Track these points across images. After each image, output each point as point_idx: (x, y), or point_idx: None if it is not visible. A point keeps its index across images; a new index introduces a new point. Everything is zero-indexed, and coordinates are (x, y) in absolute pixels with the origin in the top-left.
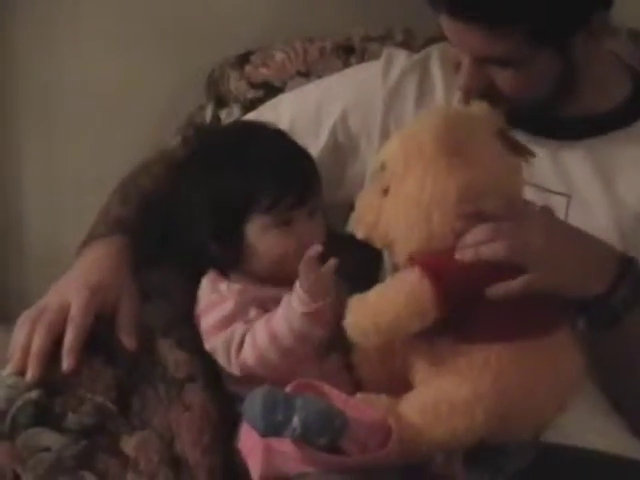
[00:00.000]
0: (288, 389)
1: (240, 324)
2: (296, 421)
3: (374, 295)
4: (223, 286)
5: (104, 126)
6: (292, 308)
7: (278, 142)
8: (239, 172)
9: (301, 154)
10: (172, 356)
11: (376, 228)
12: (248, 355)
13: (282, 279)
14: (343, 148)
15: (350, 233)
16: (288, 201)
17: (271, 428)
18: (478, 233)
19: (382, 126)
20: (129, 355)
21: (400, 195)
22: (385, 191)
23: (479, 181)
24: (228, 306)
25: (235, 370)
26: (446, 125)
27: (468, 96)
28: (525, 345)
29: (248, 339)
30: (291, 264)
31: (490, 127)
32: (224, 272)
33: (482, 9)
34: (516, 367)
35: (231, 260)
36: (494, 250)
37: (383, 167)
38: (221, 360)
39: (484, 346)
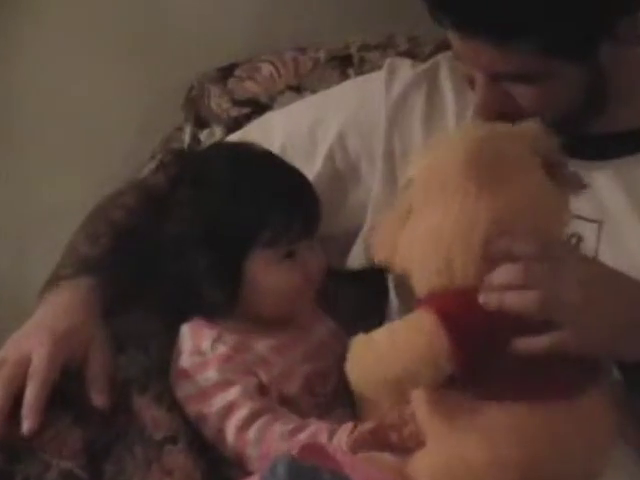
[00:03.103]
0: (294, 452)
1: (245, 400)
2: None
3: (382, 342)
4: (206, 344)
5: (69, 151)
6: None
7: (274, 165)
8: (236, 202)
9: (300, 178)
10: (150, 414)
11: (393, 256)
12: (251, 446)
13: (281, 318)
14: (341, 173)
15: (349, 268)
16: (295, 231)
17: None
18: (506, 275)
19: (385, 147)
20: (100, 414)
21: (420, 223)
22: (407, 213)
23: (512, 215)
24: (210, 376)
25: (227, 450)
26: (479, 149)
27: (484, 114)
28: (555, 405)
29: (256, 432)
30: (294, 300)
31: (534, 152)
32: (212, 317)
33: (490, 22)
34: (544, 430)
35: (226, 300)
36: (522, 301)
37: (407, 186)
38: (209, 431)
39: (508, 405)
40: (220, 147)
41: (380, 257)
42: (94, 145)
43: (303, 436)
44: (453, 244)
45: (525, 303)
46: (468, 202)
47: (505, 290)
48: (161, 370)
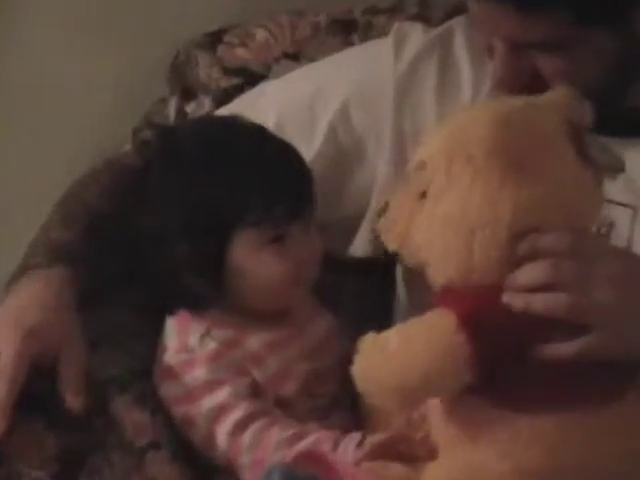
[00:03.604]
0: (289, 460)
1: (237, 401)
2: None
3: (394, 345)
4: (194, 340)
5: (40, 128)
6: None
7: (263, 141)
8: (218, 179)
9: (291, 154)
10: (130, 417)
11: (406, 241)
12: (245, 453)
13: (273, 311)
14: (344, 152)
15: (352, 258)
16: (280, 213)
17: None
18: (533, 273)
19: (394, 123)
20: (75, 418)
21: (438, 210)
22: (422, 195)
23: (540, 203)
24: (198, 375)
25: (218, 456)
26: (505, 127)
27: (504, 88)
28: (584, 415)
29: (251, 436)
30: (284, 290)
31: (566, 124)
32: (198, 309)
33: None
34: (572, 441)
35: (211, 291)
36: (551, 302)
37: (422, 167)
38: (197, 436)
39: (531, 415)
40: (203, 121)
41: (391, 244)
42: (68, 120)
43: (303, 444)
44: (474, 236)
45: (554, 305)
46: (491, 189)
47: (532, 290)
48: (143, 369)
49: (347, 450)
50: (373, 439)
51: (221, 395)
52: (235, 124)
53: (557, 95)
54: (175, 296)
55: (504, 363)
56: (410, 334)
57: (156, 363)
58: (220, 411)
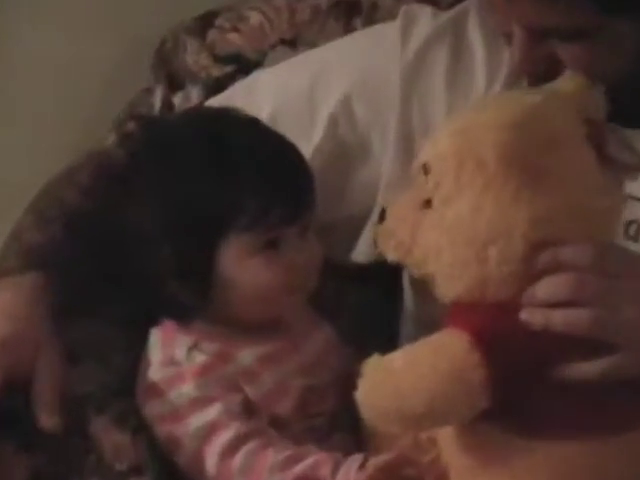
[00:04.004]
0: None
1: (229, 420)
2: None
3: (401, 367)
4: (180, 353)
5: (13, 121)
6: None
7: (259, 135)
8: (207, 177)
9: (290, 151)
10: (110, 439)
11: (411, 252)
12: (236, 477)
13: (264, 321)
14: (346, 147)
15: (355, 264)
16: (276, 215)
17: None
18: (553, 288)
19: (400, 115)
20: (50, 439)
21: (446, 218)
22: (426, 203)
23: (559, 213)
24: (185, 391)
25: (207, 477)
26: (521, 130)
27: (522, 76)
28: (606, 443)
29: (243, 459)
30: (277, 299)
31: (583, 126)
32: (184, 320)
33: None
34: (593, 472)
35: (196, 299)
36: (573, 320)
37: (425, 170)
38: (183, 458)
39: (549, 442)
40: (192, 114)
41: (390, 254)
42: (45, 110)
43: (300, 468)
44: (486, 249)
45: (576, 321)
46: (505, 198)
47: (551, 306)
48: (124, 385)
49: (349, 473)
50: (376, 461)
51: (211, 413)
52: (228, 116)
53: (571, 84)
54: (159, 305)
55: (521, 386)
56: (417, 355)
57: (139, 379)
58: (209, 431)
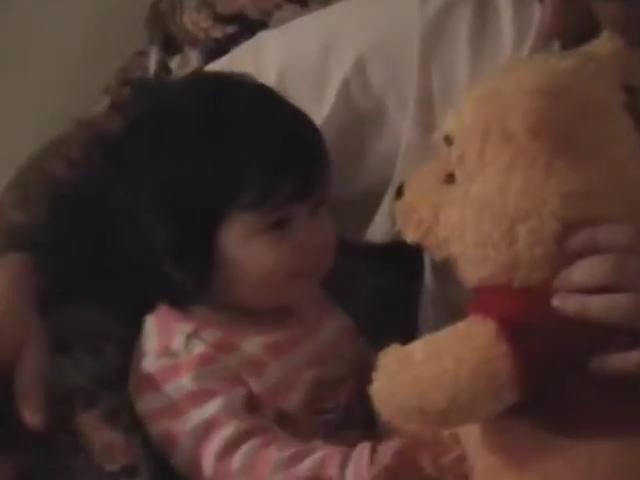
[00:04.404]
0: None
1: (229, 416)
2: None
3: (421, 358)
4: (178, 342)
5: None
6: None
7: (265, 104)
8: (209, 151)
9: (301, 122)
10: (100, 436)
11: (431, 231)
12: (237, 477)
13: (272, 308)
14: (361, 114)
15: (371, 243)
16: (284, 193)
17: None
18: (589, 271)
19: (420, 81)
20: (35, 436)
21: (471, 194)
22: (449, 177)
23: (594, 189)
24: (183, 384)
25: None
26: (553, 98)
27: (554, 38)
28: None
29: (243, 458)
30: (284, 285)
31: (621, 93)
32: (183, 306)
33: None
34: (635, 473)
35: (195, 283)
36: (612, 307)
37: (448, 141)
38: (180, 458)
39: (585, 440)
40: (192, 79)
41: (410, 235)
42: (29, 76)
43: (306, 465)
44: (515, 229)
45: (615, 308)
46: (535, 173)
47: (588, 291)
48: (117, 378)
49: (360, 468)
50: (388, 447)
51: (210, 409)
52: (233, 82)
53: (608, 47)
54: (155, 289)
55: (554, 379)
56: (438, 345)
57: (132, 371)
58: (208, 428)
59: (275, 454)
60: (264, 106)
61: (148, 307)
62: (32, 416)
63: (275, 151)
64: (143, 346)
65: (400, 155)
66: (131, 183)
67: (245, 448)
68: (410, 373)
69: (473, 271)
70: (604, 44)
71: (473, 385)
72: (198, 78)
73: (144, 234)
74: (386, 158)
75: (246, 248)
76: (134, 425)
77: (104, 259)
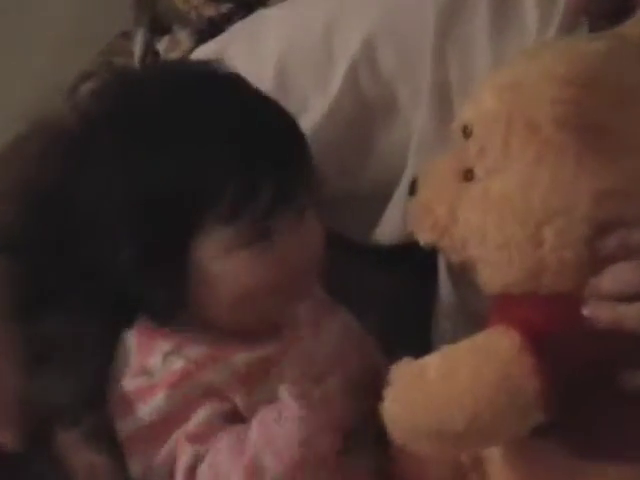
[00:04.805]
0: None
1: (186, 443)
2: None
3: (437, 373)
4: (156, 359)
5: None
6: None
7: (239, 101)
8: (180, 154)
9: (279, 119)
10: (81, 459)
11: (448, 233)
12: None
13: (254, 324)
14: (369, 101)
15: (380, 245)
16: (263, 201)
17: None
18: (624, 277)
19: (435, 64)
20: (9, 458)
21: (492, 192)
22: (468, 173)
23: (629, 187)
24: (156, 405)
25: None
26: (585, 85)
27: (582, 16)
28: None
29: (206, 470)
30: (268, 302)
31: None
32: (165, 319)
33: None
34: None
35: (169, 302)
36: None
37: (467, 133)
38: None
39: (619, 466)
40: (161, 69)
41: (425, 236)
42: (7, 60)
43: (248, 446)
44: (541, 230)
45: None
46: (564, 169)
47: (622, 299)
48: (99, 394)
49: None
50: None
51: (190, 426)
52: (206, 74)
53: None
54: (132, 302)
55: (584, 397)
56: (456, 359)
57: (110, 390)
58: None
59: (227, 442)
60: (238, 103)
61: (131, 319)
62: (6, 436)
63: (250, 153)
64: (120, 364)
65: (412, 148)
66: (93, 187)
67: (207, 461)
68: (424, 390)
69: (494, 277)
70: (638, 25)
71: (494, 404)
72: (167, 68)
73: (112, 244)
74: (397, 150)
75: (224, 264)
76: (116, 446)
77: (74, 268)
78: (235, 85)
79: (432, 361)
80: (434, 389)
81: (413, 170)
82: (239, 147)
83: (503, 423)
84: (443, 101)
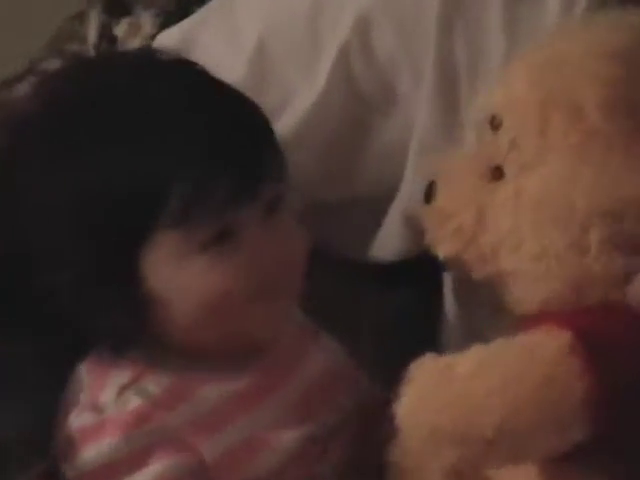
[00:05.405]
0: None
1: None
2: None
3: (467, 371)
4: (107, 394)
5: None
6: None
7: (197, 88)
8: (126, 149)
9: (242, 108)
10: None
11: (475, 241)
12: None
13: (227, 345)
14: (362, 91)
15: (378, 261)
16: (217, 198)
17: None
18: None
19: (439, 45)
20: None
21: (526, 192)
22: (496, 171)
23: None
24: (105, 449)
25: None
26: (630, 59)
27: None
28: None
29: None
30: (242, 311)
31: None
32: (124, 348)
33: None
34: None
35: (122, 326)
36: None
37: (494, 125)
38: None
39: None
40: (106, 58)
41: (446, 249)
42: None
43: None
44: (587, 234)
45: None
46: (612, 164)
47: None
48: (49, 437)
49: None
50: None
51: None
52: (150, 62)
53: None
54: (82, 331)
55: (634, 409)
56: (489, 357)
57: (58, 428)
58: None
59: None
60: (196, 88)
61: (81, 351)
62: None
63: (199, 145)
64: (69, 399)
65: (413, 144)
66: (24, 196)
67: None
68: (450, 390)
69: (531, 291)
70: None
71: (534, 409)
72: (110, 57)
73: (47, 266)
74: (395, 147)
75: (179, 275)
76: None
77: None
78: (183, 75)
79: (461, 357)
80: (461, 388)
81: (414, 171)
82: (183, 139)
83: (540, 432)
84: (449, 87)
